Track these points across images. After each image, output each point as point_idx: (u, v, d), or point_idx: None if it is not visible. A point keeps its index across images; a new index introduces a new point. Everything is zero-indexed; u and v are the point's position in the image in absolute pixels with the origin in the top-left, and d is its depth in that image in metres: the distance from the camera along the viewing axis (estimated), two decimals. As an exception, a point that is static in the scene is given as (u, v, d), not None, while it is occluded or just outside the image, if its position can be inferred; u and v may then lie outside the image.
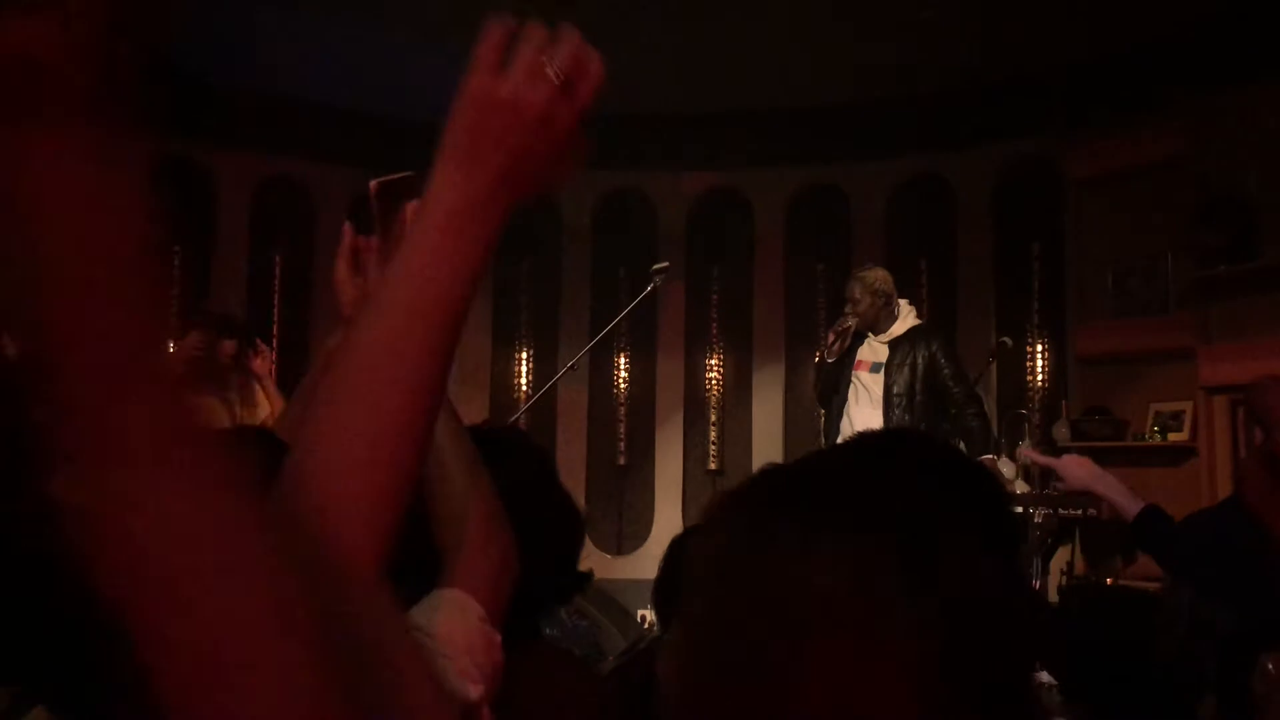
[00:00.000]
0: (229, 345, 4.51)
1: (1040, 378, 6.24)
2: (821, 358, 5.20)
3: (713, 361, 7.00)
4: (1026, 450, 2.57)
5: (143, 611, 0.37)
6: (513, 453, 1.34)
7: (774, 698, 0.51)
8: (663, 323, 6.97)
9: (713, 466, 6.89)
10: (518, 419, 4.93)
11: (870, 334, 5.01)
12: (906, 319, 5.00)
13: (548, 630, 2.32)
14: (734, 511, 0.60)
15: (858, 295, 4.96)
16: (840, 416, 4.99)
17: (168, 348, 0.43)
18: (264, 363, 4.70)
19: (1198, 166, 5.27)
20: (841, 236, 6.90)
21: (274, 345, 6.69)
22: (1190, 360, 5.22)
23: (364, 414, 0.68)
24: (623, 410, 7.02)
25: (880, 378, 4.88)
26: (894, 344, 4.96)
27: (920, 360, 4.84)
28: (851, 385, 5.00)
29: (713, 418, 6.96)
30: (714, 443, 6.94)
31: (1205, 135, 5.27)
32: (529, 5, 0.76)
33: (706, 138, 6.78)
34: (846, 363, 5.04)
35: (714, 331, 7.03)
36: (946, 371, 4.81)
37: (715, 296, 7.06)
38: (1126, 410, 5.54)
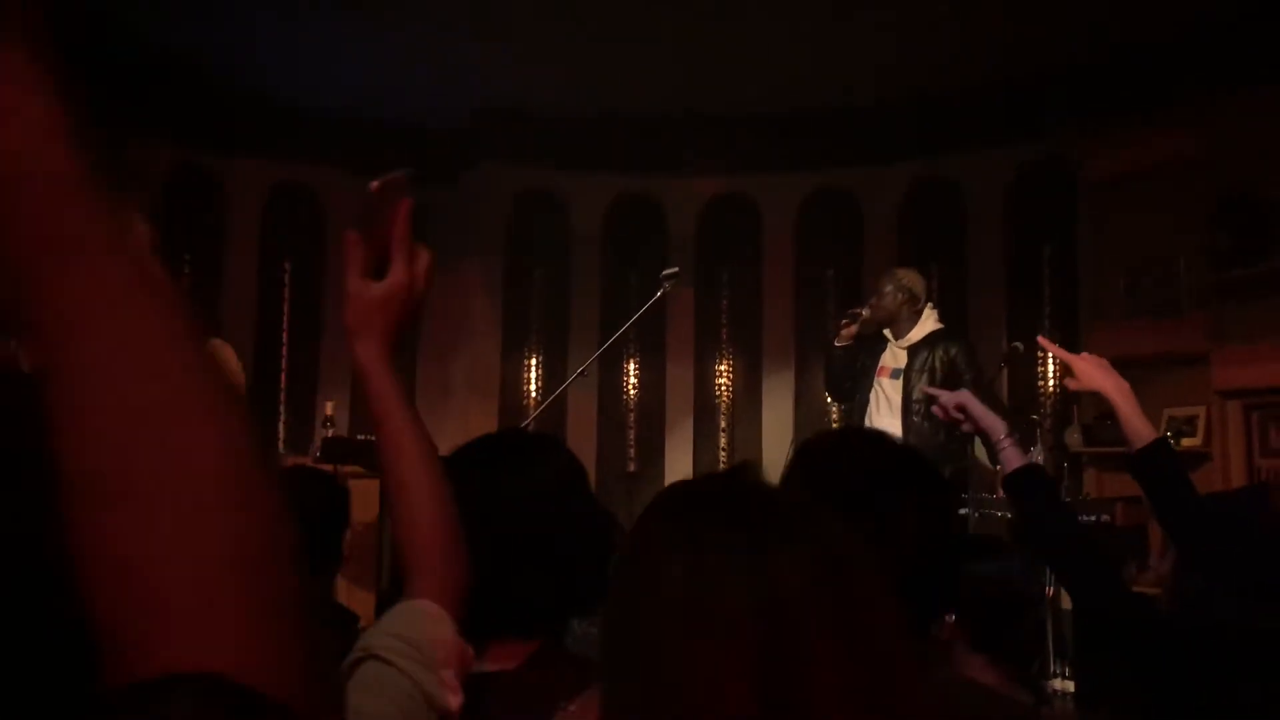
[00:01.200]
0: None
1: (1052, 382, 6.20)
2: (830, 345, 5.17)
3: (722, 367, 6.98)
4: (1044, 339, 2.46)
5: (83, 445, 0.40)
6: (547, 457, 1.33)
7: (646, 688, 0.65)
8: (672, 328, 6.95)
9: (723, 472, 6.86)
10: (527, 425, 4.92)
11: (891, 338, 4.96)
12: (926, 323, 4.94)
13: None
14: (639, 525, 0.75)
15: (885, 289, 4.92)
16: (863, 421, 4.94)
17: (112, 220, 0.45)
18: None
19: (1212, 168, 5.23)
20: (852, 241, 6.88)
21: (284, 351, 6.71)
22: (1204, 364, 5.18)
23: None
24: (632, 416, 7.01)
25: (900, 384, 4.84)
26: (913, 349, 4.91)
27: (939, 365, 4.78)
28: (874, 391, 4.95)
29: (723, 423, 6.95)
30: (724, 449, 6.92)
31: (1219, 136, 5.23)
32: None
33: (716, 142, 6.77)
34: (869, 368, 4.99)
35: (724, 337, 7.02)
36: (967, 377, 4.72)
37: (725, 302, 7.04)
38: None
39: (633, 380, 7.01)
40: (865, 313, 4.92)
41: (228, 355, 4.41)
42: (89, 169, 0.46)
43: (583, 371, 4.25)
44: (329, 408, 5.63)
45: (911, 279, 4.99)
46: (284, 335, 6.74)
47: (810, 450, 1.30)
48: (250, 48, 5.87)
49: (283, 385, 6.67)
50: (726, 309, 7.04)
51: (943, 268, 6.60)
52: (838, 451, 1.31)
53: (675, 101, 6.40)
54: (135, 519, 0.39)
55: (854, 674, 0.63)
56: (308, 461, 4.45)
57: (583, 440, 6.83)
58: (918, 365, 4.83)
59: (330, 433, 5.20)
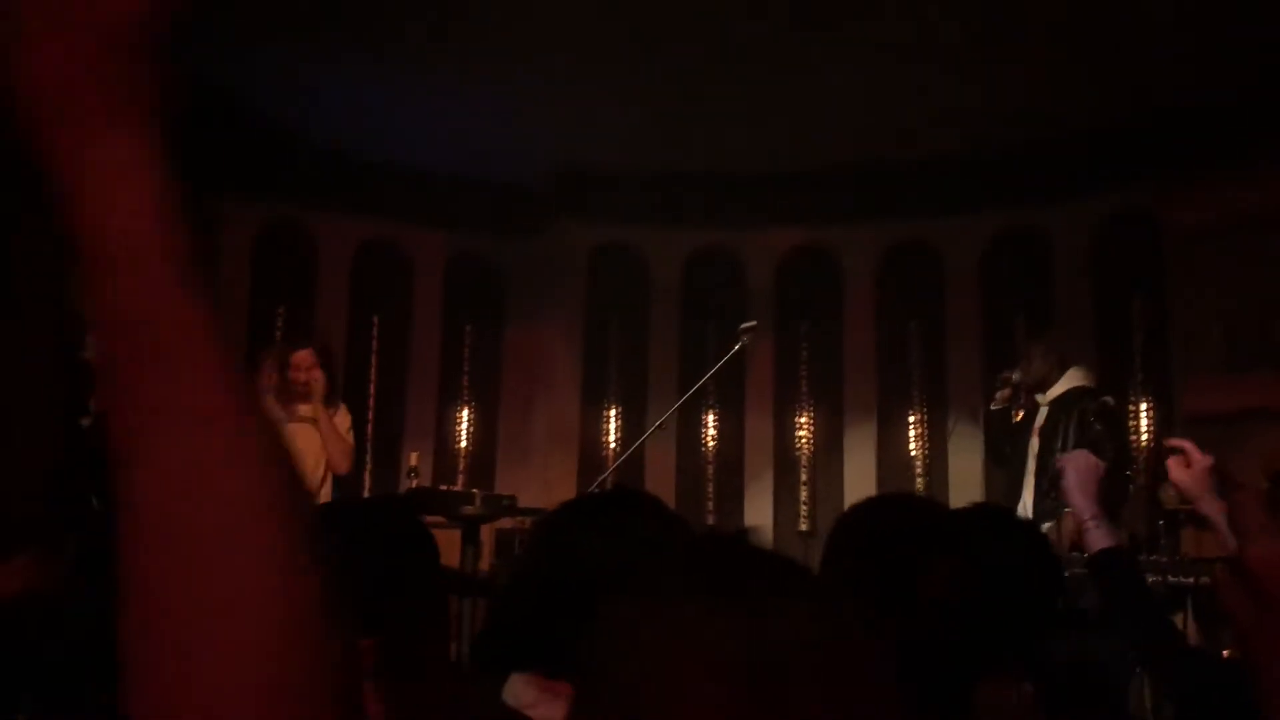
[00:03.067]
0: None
1: (1145, 437, 6.01)
2: (987, 409, 5.08)
3: (802, 420, 6.92)
4: (1178, 442, 2.32)
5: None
6: (650, 516, 1.36)
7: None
8: (751, 381, 6.93)
9: (804, 527, 6.78)
10: (606, 478, 4.94)
11: (1039, 397, 4.79)
12: (1069, 380, 4.71)
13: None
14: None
15: (1034, 352, 4.79)
16: (1022, 487, 4.74)
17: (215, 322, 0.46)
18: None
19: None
20: (934, 292, 6.80)
21: (370, 402, 6.87)
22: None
23: None
24: (711, 469, 6.98)
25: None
26: (1052, 408, 4.73)
27: (1072, 423, 4.57)
28: (1029, 453, 4.75)
29: (803, 477, 6.87)
30: (804, 503, 6.84)
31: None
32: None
33: (793, 194, 6.79)
34: (1027, 426, 4.83)
35: (803, 389, 6.97)
36: (1098, 433, 4.48)
37: (804, 353, 7.00)
38: (1239, 472, 5.29)
39: (711, 433, 6.99)
40: (1015, 376, 4.82)
41: (339, 421, 4.60)
42: (193, 253, 0.47)
43: (661, 425, 4.27)
44: (413, 458, 5.73)
45: (1054, 343, 4.88)
46: (371, 387, 6.91)
47: (843, 518, 1.30)
48: (341, 108, 6.11)
49: (369, 435, 6.82)
50: (806, 360, 7.00)
51: (1028, 320, 6.48)
52: (865, 518, 1.35)
53: (752, 155, 6.45)
54: (175, 647, 0.39)
55: None
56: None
57: (661, 493, 6.78)
58: (1050, 426, 4.66)
59: (415, 483, 5.29)
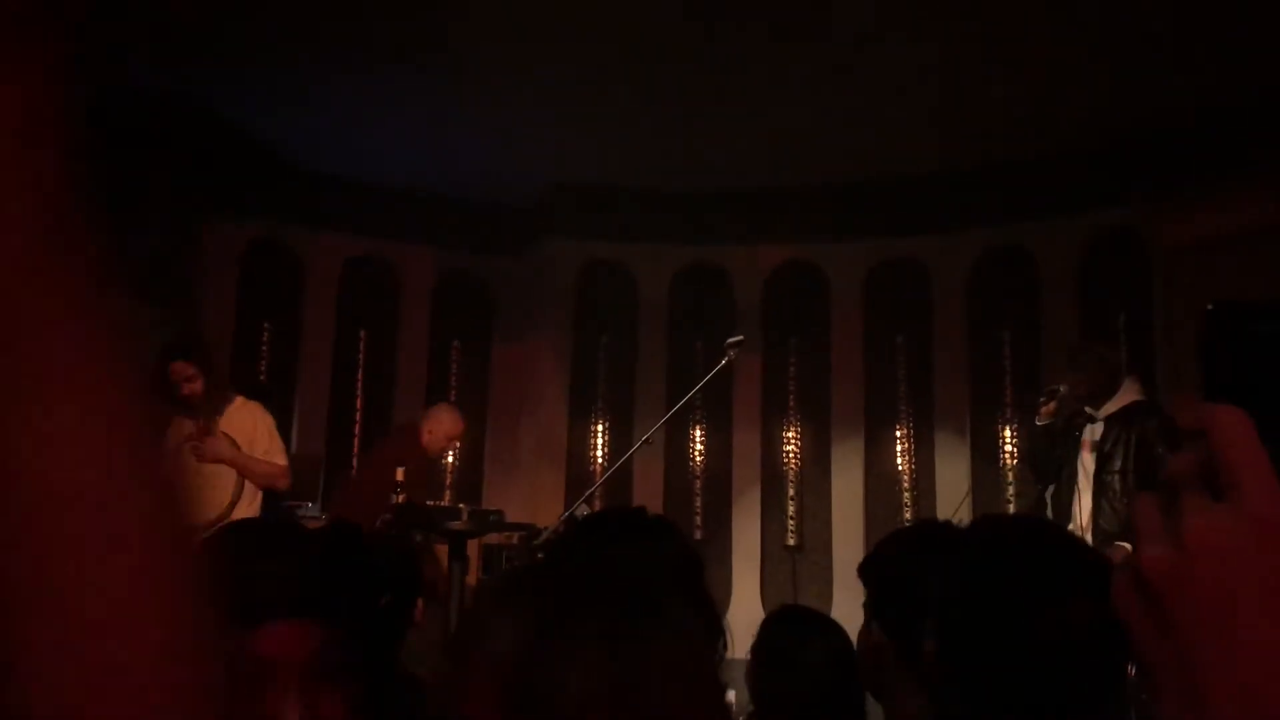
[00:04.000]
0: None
1: (1131, 452, 6.03)
2: (1031, 424, 4.95)
3: (790, 435, 6.93)
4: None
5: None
6: (664, 541, 1.36)
7: None
8: (739, 396, 6.94)
9: (791, 542, 6.78)
10: (593, 493, 4.93)
11: (1092, 412, 4.66)
12: (1126, 394, 4.59)
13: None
14: None
15: (1083, 362, 4.63)
16: (1071, 501, 4.62)
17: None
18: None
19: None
20: (920, 309, 6.83)
21: (357, 416, 6.85)
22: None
23: None
24: (699, 484, 6.98)
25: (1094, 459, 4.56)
26: (1108, 422, 4.60)
27: (1133, 440, 4.45)
28: (1079, 468, 4.64)
29: (790, 492, 6.88)
30: (792, 518, 6.84)
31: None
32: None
33: (782, 212, 6.82)
34: (1073, 441, 4.71)
35: (791, 404, 6.98)
36: (1159, 452, 4.34)
37: (792, 369, 7.02)
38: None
39: (699, 448, 6.99)
40: (1064, 389, 4.72)
41: (247, 427, 4.36)
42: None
43: (647, 439, 4.26)
44: (400, 474, 5.70)
45: (1113, 354, 4.78)
46: (358, 401, 6.89)
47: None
48: (328, 127, 6.11)
49: (355, 450, 6.80)
50: (794, 376, 7.02)
51: (1015, 334, 6.51)
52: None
53: (739, 172, 6.48)
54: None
55: None
56: (380, 527, 4.52)
57: (649, 508, 6.80)
58: (1109, 441, 4.52)
59: (402, 498, 5.27)
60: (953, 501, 6.29)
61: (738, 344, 4.22)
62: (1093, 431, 4.61)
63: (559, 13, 4.83)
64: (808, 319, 7.03)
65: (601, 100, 5.62)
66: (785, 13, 4.80)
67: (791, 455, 6.90)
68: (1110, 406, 4.57)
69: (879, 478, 6.76)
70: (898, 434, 6.77)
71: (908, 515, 6.56)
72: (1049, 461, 4.79)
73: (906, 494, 6.70)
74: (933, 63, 5.18)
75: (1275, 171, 5.20)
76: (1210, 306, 0.47)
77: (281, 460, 4.45)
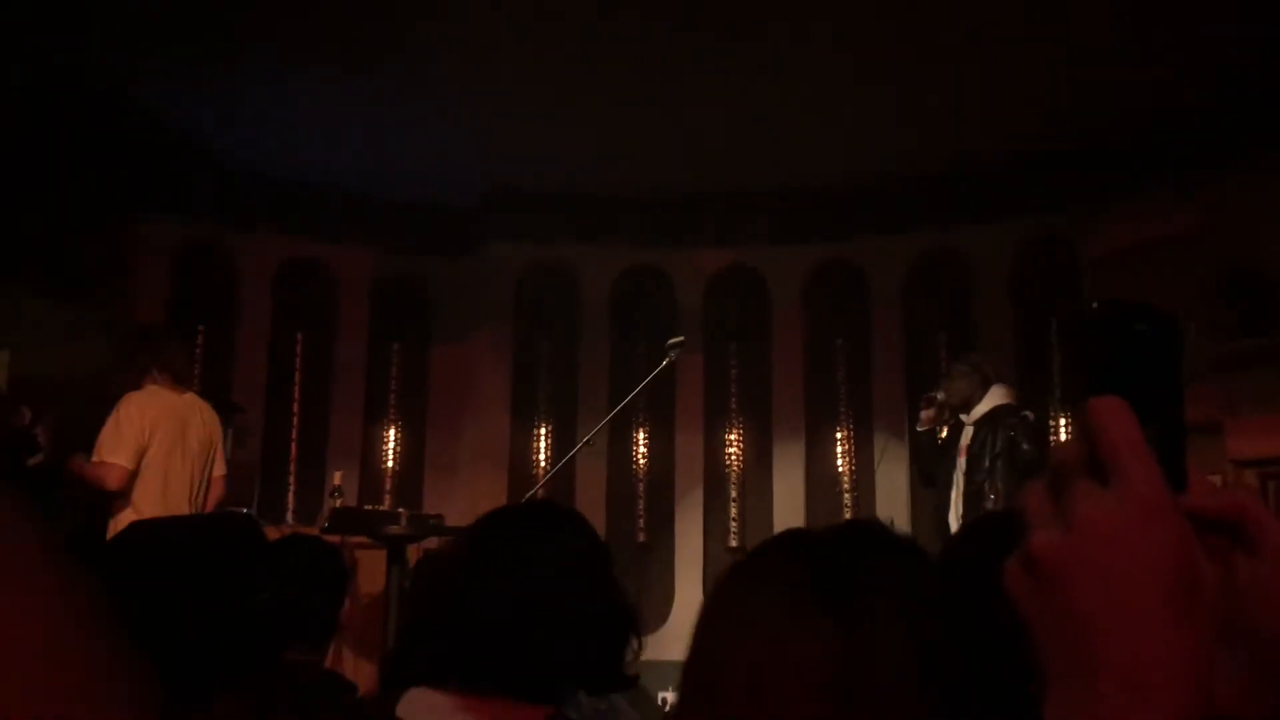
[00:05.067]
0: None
1: (1063, 452, 6.16)
2: (914, 431, 5.13)
3: (732, 437, 6.96)
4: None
5: None
6: (575, 532, 1.35)
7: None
8: (681, 399, 6.96)
9: (733, 544, 6.81)
10: (533, 495, 4.90)
11: (963, 416, 4.87)
12: (993, 398, 4.78)
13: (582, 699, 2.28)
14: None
15: (958, 370, 4.86)
16: (949, 506, 4.81)
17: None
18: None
19: (1212, 241, 5.28)
20: (859, 312, 6.91)
21: (294, 421, 6.74)
22: (1217, 434, 5.15)
23: None
24: (642, 486, 6.98)
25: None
26: (976, 426, 4.79)
27: (998, 440, 4.65)
28: (956, 472, 4.83)
29: (733, 494, 6.91)
30: (734, 519, 6.87)
31: (1218, 210, 5.29)
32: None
33: (722, 216, 6.86)
34: (952, 445, 4.89)
35: (733, 407, 7.02)
36: (1026, 452, 4.56)
37: (734, 372, 7.06)
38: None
39: (642, 450, 6.99)
40: (940, 396, 4.88)
41: (189, 413, 4.21)
42: None
43: (589, 441, 4.26)
44: (337, 478, 5.63)
45: (983, 364, 4.93)
46: (295, 406, 6.77)
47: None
48: (262, 126, 6.00)
49: (293, 455, 6.68)
50: (736, 379, 7.05)
51: (951, 338, 6.61)
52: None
53: (680, 176, 6.50)
54: None
55: None
56: (315, 532, 4.44)
57: (592, 511, 6.79)
58: (976, 446, 4.71)
59: (339, 502, 5.19)
60: (892, 502, 6.38)
61: (678, 345, 4.24)
62: (965, 436, 4.80)
63: (498, 14, 4.80)
64: (749, 322, 7.08)
65: (543, 102, 5.60)
66: (724, 14, 4.83)
67: (734, 457, 6.94)
68: (979, 411, 4.79)
69: (820, 479, 6.83)
70: (838, 435, 6.84)
71: (848, 516, 6.63)
72: (931, 465, 4.98)
73: (847, 494, 6.77)
74: (872, 68, 5.25)
75: (1193, 181, 5.38)
76: (1094, 305, 0.49)
77: (106, 457, 4.00)
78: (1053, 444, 6.19)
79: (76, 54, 5.08)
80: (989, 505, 4.54)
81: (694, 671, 0.72)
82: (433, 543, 5.09)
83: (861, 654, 0.65)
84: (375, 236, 6.97)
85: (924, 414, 4.99)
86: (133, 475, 4.01)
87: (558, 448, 6.83)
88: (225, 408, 5.16)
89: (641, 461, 6.99)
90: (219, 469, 4.29)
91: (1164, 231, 5.51)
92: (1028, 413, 4.95)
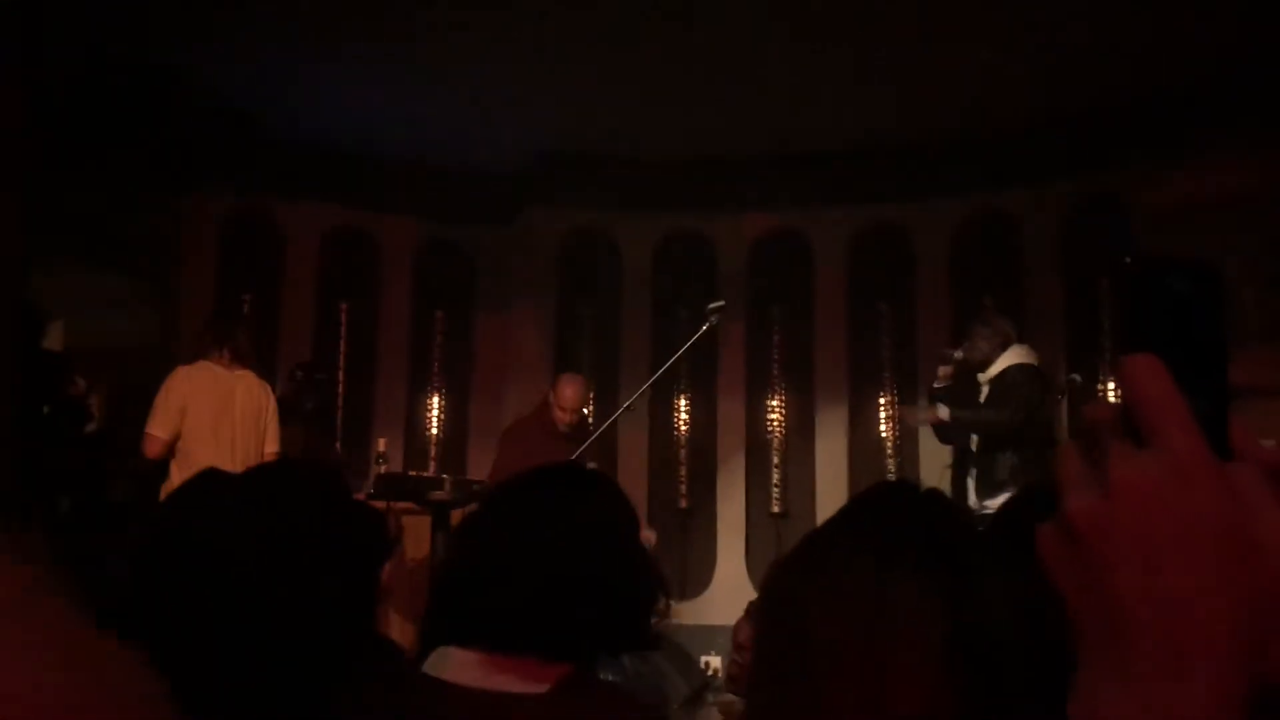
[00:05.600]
0: None
1: (1114, 416, 6.06)
2: (931, 388, 5.16)
3: (774, 403, 6.93)
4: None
5: None
6: (602, 493, 1.35)
7: (819, 686, 0.66)
8: (723, 365, 6.93)
9: (776, 510, 6.80)
10: (577, 459, 4.92)
11: (981, 376, 4.92)
12: (1010, 358, 4.81)
13: (610, 676, 2.30)
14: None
15: (978, 331, 4.88)
16: (967, 464, 4.89)
17: None
18: None
19: (1274, 198, 5.14)
20: (904, 275, 6.83)
21: (340, 389, 6.82)
22: (1275, 396, 5.02)
23: None
24: (684, 452, 6.98)
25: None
26: (990, 384, 4.86)
27: (999, 395, 4.74)
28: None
29: (775, 460, 6.89)
30: (777, 485, 6.86)
31: (1273, 169, 5.14)
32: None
33: (765, 179, 6.78)
34: (969, 402, 4.96)
35: (775, 373, 6.98)
36: (1018, 383, 4.68)
37: (776, 337, 7.01)
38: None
39: (684, 417, 6.99)
40: (958, 354, 4.89)
41: (247, 389, 4.33)
42: None
43: (629, 406, 4.26)
44: (381, 444, 5.69)
45: (1003, 324, 4.95)
46: (340, 374, 6.85)
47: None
48: (307, 97, 6.03)
49: (339, 422, 6.76)
50: (778, 345, 7.01)
51: (998, 300, 6.50)
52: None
53: (722, 139, 6.44)
54: None
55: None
56: (361, 498, 4.50)
57: (635, 476, 6.82)
58: (992, 400, 4.78)
59: (384, 469, 5.26)
60: (936, 468, 6.32)
61: (719, 309, 4.22)
62: (981, 395, 4.78)
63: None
64: (792, 286, 7.02)
65: (583, 66, 5.56)
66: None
67: (776, 423, 6.91)
68: (994, 370, 4.79)
69: (863, 445, 6.79)
70: (881, 401, 6.79)
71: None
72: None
73: (890, 460, 6.72)
74: (916, 27, 5.14)
75: (1251, 139, 5.23)
76: (1128, 261, 0.47)
77: (147, 428, 4.26)
78: (1085, 406, 6.08)
79: (123, 27, 5.12)
80: (1001, 465, 4.57)
81: (780, 637, 0.69)
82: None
83: (970, 618, 0.64)
84: (419, 205, 7.00)
85: (941, 370, 4.98)
86: (171, 445, 4.19)
87: (600, 413, 6.85)
88: (308, 376, 5.32)
89: (683, 427, 6.99)
90: (270, 445, 4.37)
91: (1219, 190, 5.36)
92: (1075, 375, 4.89)
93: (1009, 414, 4.58)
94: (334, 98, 6.05)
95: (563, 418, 4.92)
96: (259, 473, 1.26)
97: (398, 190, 6.87)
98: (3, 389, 3.51)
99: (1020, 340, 5.00)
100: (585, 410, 5.06)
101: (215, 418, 4.24)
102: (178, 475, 4.13)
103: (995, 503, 4.45)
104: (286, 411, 5.02)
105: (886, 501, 0.75)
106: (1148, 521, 0.41)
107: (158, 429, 4.20)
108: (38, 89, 3.88)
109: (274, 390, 4.66)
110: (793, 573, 0.71)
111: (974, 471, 4.77)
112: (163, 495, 3.95)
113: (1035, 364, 4.85)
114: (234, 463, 4.21)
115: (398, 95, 6.00)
